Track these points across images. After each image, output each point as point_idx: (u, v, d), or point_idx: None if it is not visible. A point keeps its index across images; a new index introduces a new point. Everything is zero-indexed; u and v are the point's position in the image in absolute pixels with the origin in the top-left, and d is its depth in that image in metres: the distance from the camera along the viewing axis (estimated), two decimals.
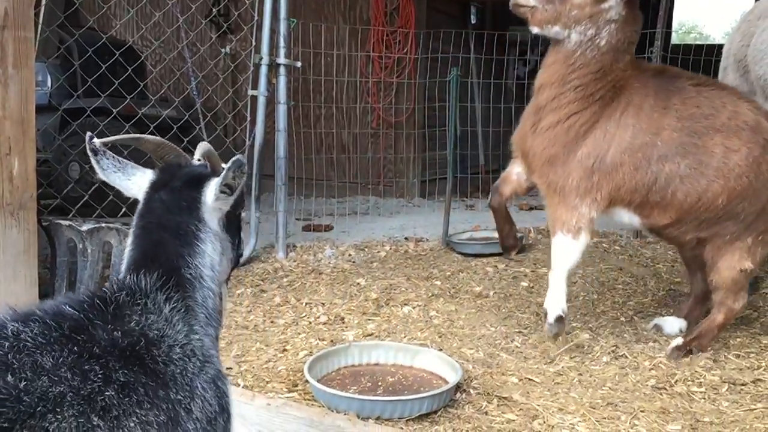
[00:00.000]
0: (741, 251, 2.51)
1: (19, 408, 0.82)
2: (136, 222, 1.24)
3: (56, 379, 0.87)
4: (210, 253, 1.24)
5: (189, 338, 1.10)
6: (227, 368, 2.40)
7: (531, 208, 5.78)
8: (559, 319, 2.52)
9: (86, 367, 0.91)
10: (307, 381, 2.22)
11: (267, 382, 2.32)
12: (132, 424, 0.93)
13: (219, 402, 1.10)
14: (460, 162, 5.53)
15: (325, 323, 2.91)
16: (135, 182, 1.28)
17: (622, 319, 2.99)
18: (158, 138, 1.27)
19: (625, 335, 2.78)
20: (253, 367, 2.43)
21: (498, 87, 6.02)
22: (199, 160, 1.28)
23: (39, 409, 0.83)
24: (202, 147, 1.28)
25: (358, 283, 3.47)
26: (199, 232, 1.23)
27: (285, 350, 2.60)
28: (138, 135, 1.27)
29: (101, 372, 0.92)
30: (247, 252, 3.82)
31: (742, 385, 2.33)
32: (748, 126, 2.45)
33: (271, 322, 2.92)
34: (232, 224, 1.31)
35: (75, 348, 0.92)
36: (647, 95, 2.46)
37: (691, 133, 2.43)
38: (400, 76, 5.87)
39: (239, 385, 2.28)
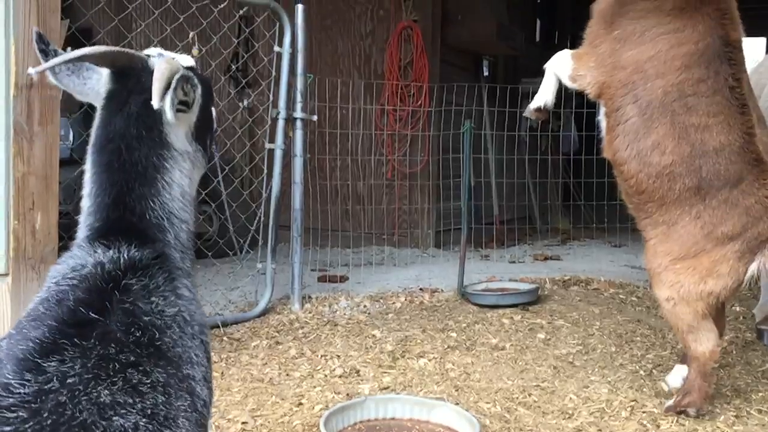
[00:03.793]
0: (654, 274, 2.42)
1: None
2: (94, 150, 1.15)
3: (127, 408, 0.87)
4: (178, 180, 1.16)
5: (178, 306, 1.08)
6: (242, 423, 2.39)
7: (546, 258, 5.77)
8: (538, 109, 2.66)
9: (134, 381, 0.91)
10: None
11: None
12: (181, 423, 0.95)
13: (207, 357, 1.12)
14: (475, 213, 5.56)
15: (340, 376, 2.89)
16: (91, 86, 1.18)
17: (641, 372, 2.95)
18: (103, 47, 1.14)
19: (644, 389, 2.74)
20: (269, 422, 2.41)
21: (511, 138, 6.08)
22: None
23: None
24: (159, 70, 1.09)
25: (374, 335, 3.46)
26: (165, 162, 1.14)
27: (300, 404, 2.58)
28: (81, 50, 1.10)
29: (148, 381, 0.93)
30: (262, 304, 3.83)
31: None
32: (698, 145, 2.31)
33: (287, 375, 2.91)
34: (203, 127, 1.21)
35: (117, 366, 0.90)
36: (696, 41, 2.32)
37: (665, 103, 2.33)
38: (414, 128, 5.96)
39: None
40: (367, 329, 3.57)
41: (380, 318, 3.81)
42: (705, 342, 2.37)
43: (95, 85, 1.18)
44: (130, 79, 1.14)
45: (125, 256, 1.06)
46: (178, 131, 1.16)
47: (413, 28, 5.88)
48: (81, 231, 1.17)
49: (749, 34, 2.47)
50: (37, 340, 0.88)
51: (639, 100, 2.38)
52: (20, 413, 0.80)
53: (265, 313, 3.82)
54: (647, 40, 2.38)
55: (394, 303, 4.13)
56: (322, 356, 3.13)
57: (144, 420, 0.88)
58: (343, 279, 4.78)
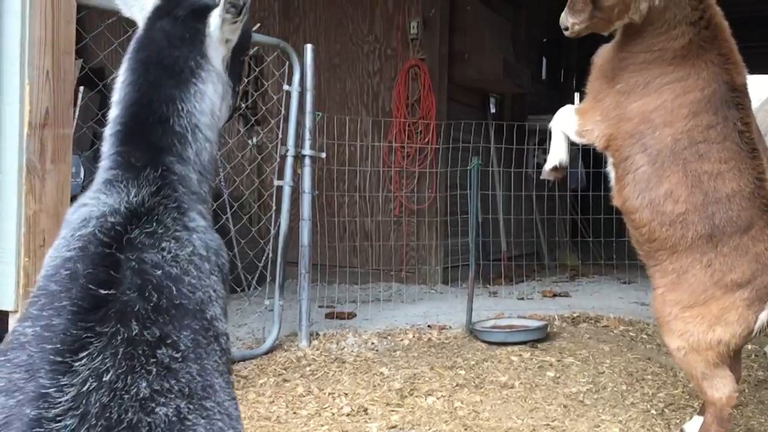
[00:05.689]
0: (664, 323, 2.36)
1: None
2: (133, 51, 1.14)
3: (166, 395, 0.85)
4: (211, 95, 1.14)
5: (192, 244, 1.03)
6: None
7: (555, 295, 5.74)
8: (554, 169, 2.66)
9: (167, 360, 0.88)
10: None
11: None
12: (216, 384, 0.93)
13: (224, 282, 1.07)
14: (483, 249, 5.55)
15: (348, 414, 2.86)
16: None
17: (653, 411, 2.91)
18: None
19: (656, 429, 2.70)
20: None
21: (518, 175, 6.11)
22: None
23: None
24: None
25: (381, 373, 3.43)
26: (201, 70, 1.14)
27: None
28: None
29: (179, 355, 0.89)
30: (270, 341, 3.82)
31: None
32: (711, 193, 2.27)
33: (294, 413, 2.89)
34: (236, 67, 1.23)
35: (146, 350, 0.87)
36: (702, 88, 2.31)
37: (676, 151, 2.31)
38: (421, 164, 5.99)
39: None
40: (375, 366, 3.54)
41: (388, 355, 3.78)
42: (721, 388, 2.30)
43: None
44: None
45: (126, 202, 1.00)
46: (217, 51, 1.16)
47: (420, 67, 5.96)
48: (103, 148, 1.13)
49: (752, 73, 2.48)
50: (61, 334, 0.85)
51: (648, 149, 2.36)
52: (68, 422, 0.78)
53: (272, 350, 3.81)
54: (652, 90, 2.37)
55: (402, 340, 4.11)
56: (329, 394, 3.10)
57: (184, 402, 0.86)
58: (351, 315, 4.76)
